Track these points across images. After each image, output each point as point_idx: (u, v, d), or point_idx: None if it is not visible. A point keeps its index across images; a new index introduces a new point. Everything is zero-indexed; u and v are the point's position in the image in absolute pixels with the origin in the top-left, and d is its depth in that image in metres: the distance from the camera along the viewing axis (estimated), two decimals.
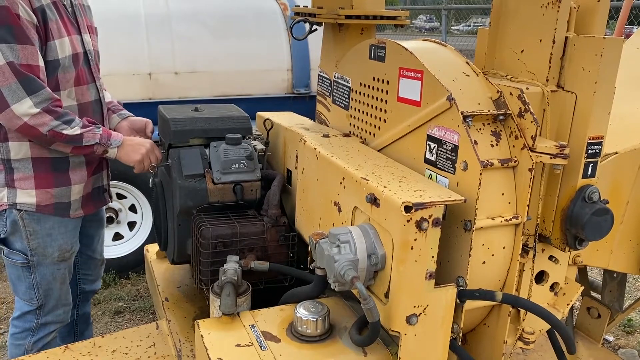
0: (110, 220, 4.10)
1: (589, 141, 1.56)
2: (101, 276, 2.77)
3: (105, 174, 2.46)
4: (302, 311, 1.64)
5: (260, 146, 2.36)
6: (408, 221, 1.37)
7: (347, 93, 2.11)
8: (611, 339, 3.64)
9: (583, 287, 1.80)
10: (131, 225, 4.24)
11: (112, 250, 4.13)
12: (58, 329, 2.44)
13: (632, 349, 3.51)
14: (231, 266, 1.85)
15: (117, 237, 4.21)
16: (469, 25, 16.71)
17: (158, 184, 2.38)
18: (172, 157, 2.22)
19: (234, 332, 1.66)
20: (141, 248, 4.12)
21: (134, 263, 4.16)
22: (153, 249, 2.94)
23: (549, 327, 1.70)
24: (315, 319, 1.62)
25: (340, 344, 1.62)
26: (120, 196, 4.12)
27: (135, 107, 4.19)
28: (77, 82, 2.21)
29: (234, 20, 4.43)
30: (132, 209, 4.20)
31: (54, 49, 2.08)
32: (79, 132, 2.09)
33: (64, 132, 2.06)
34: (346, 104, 2.13)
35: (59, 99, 2.08)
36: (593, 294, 2.57)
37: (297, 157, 2.12)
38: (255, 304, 1.83)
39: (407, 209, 1.37)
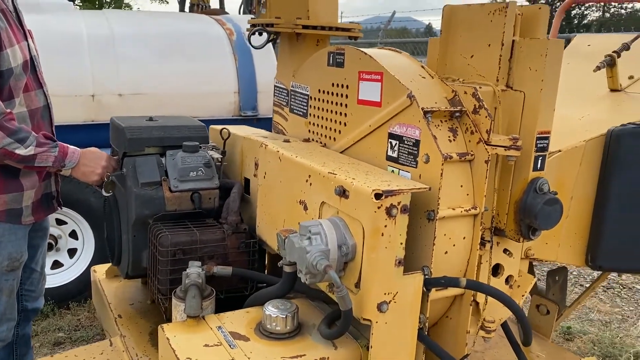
0: (49, 247, 3.90)
1: (538, 135, 1.67)
2: (43, 293, 2.62)
3: (53, 180, 2.36)
4: (271, 309, 1.64)
5: (216, 155, 2.35)
6: (379, 208, 1.41)
7: (306, 101, 2.16)
8: None
9: (536, 279, 1.89)
10: (71, 252, 4.05)
11: (51, 279, 3.89)
12: None
13: None
14: (194, 270, 1.82)
15: (56, 265, 4.00)
16: None
17: (110, 196, 2.31)
18: (127, 166, 2.17)
19: (201, 333, 1.63)
20: (82, 276, 3.93)
21: (75, 292, 3.95)
22: (101, 269, 2.83)
23: (509, 315, 1.78)
24: (284, 316, 1.62)
25: (310, 340, 1.62)
26: (60, 222, 3.94)
27: (78, 129, 4.09)
28: (26, 89, 2.15)
29: (179, 43, 4.42)
30: (73, 235, 4.02)
31: (6, 58, 2.02)
32: (32, 152, 2.03)
33: (17, 151, 2.00)
34: (304, 111, 2.18)
35: (11, 112, 2.00)
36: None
37: (256, 164, 2.13)
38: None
39: (378, 196, 1.41)
